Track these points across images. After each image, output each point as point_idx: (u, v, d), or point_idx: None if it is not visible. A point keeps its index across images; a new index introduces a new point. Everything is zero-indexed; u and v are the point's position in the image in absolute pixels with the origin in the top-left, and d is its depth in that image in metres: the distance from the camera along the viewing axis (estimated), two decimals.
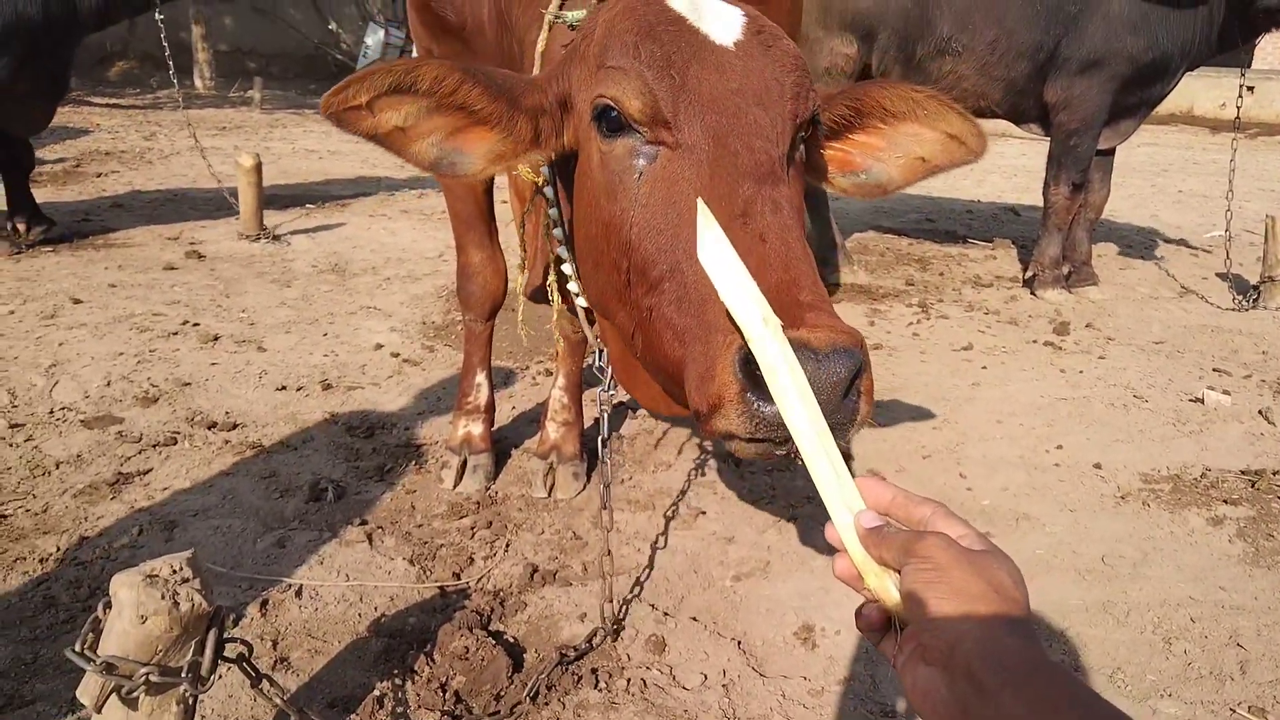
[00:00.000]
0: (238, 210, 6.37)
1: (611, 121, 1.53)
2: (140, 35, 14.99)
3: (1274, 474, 3.52)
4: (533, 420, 3.76)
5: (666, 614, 2.61)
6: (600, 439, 2.38)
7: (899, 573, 1.00)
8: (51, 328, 4.39)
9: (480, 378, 3.35)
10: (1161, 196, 9.90)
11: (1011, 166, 11.51)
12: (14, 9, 5.11)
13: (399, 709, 2.18)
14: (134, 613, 1.51)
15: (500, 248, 3.22)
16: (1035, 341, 5.04)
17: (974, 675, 0.87)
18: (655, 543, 2.90)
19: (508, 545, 2.91)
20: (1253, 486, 3.45)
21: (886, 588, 1.02)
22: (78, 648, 1.52)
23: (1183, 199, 9.79)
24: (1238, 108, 6.30)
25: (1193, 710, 2.32)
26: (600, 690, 2.29)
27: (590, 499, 3.20)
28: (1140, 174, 11.24)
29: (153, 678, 1.51)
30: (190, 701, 1.60)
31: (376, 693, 2.22)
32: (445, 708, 2.19)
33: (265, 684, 1.73)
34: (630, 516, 3.12)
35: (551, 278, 2.05)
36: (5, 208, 5.87)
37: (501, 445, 3.49)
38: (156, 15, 6.01)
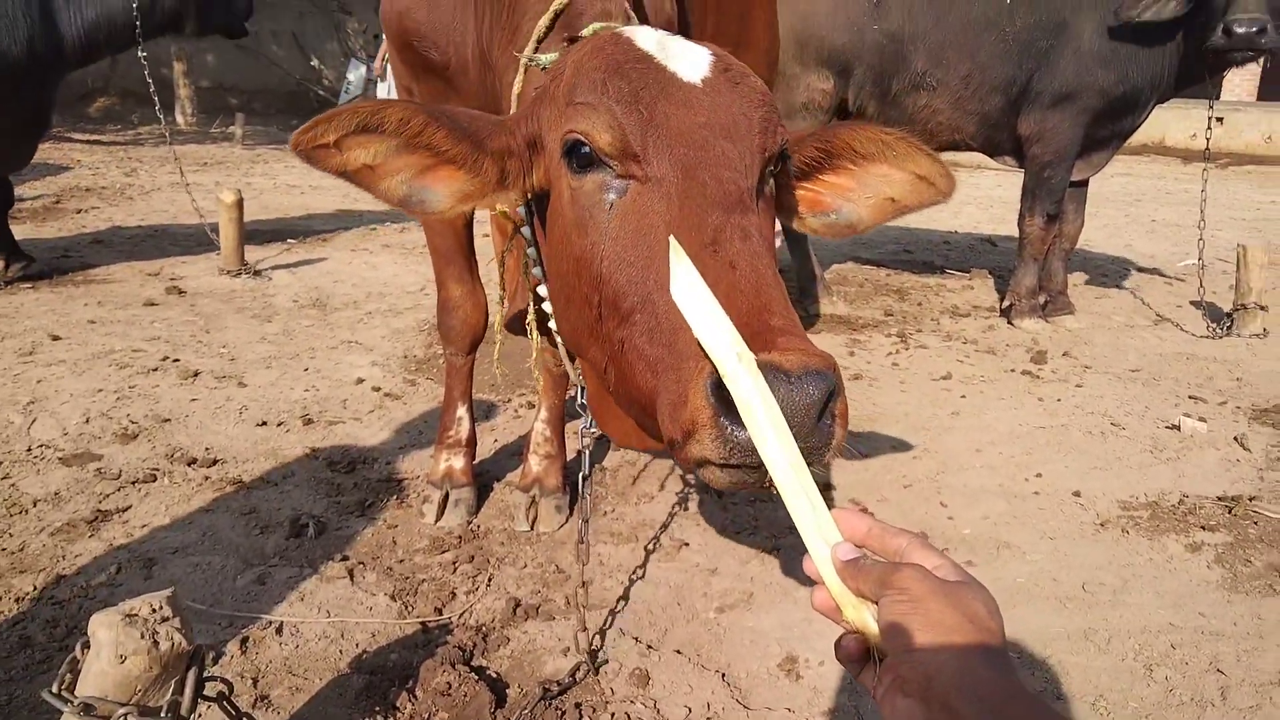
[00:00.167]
0: (219, 246, 6.36)
1: (581, 157, 1.55)
2: (122, 72, 15.04)
3: (1250, 500, 3.56)
4: (515, 453, 3.76)
5: (650, 647, 2.61)
6: (581, 475, 2.39)
7: (877, 604, 1.01)
8: (30, 365, 4.36)
9: (461, 411, 3.35)
10: (1135, 226, 10.04)
11: (987, 198, 11.65)
12: None
13: None
14: (113, 652, 1.49)
15: (481, 282, 3.23)
16: (1013, 370, 5.09)
17: (951, 706, 0.89)
18: (638, 575, 2.90)
19: (490, 579, 2.90)
20: (1229, 512, 3.48)
21: (865, 619, 1.03)
22: (55, 689, 1.51)
23: (1156, 228, 9.93)
24: (1207, 139, 6.41)
25: None
26: None
27: (573, 532, 3.19)
28: (1114, 204, 11.39)
29: (131, 718, 1.50)
30: None
31: None
32: None
33: None
34: (613, 549, 3.12)
35: (531, 315, 2.06)
36: None
37: (484, 479, 3.49)
38: (139, 52, 6.02)
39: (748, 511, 3.37)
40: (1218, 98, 18.77)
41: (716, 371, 1.21)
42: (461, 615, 2.71)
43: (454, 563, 2.98)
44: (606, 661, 2.52)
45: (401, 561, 2.98)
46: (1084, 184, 6.14)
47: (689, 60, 1.59)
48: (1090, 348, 5.53)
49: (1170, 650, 2.67)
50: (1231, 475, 3.82)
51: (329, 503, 3.30)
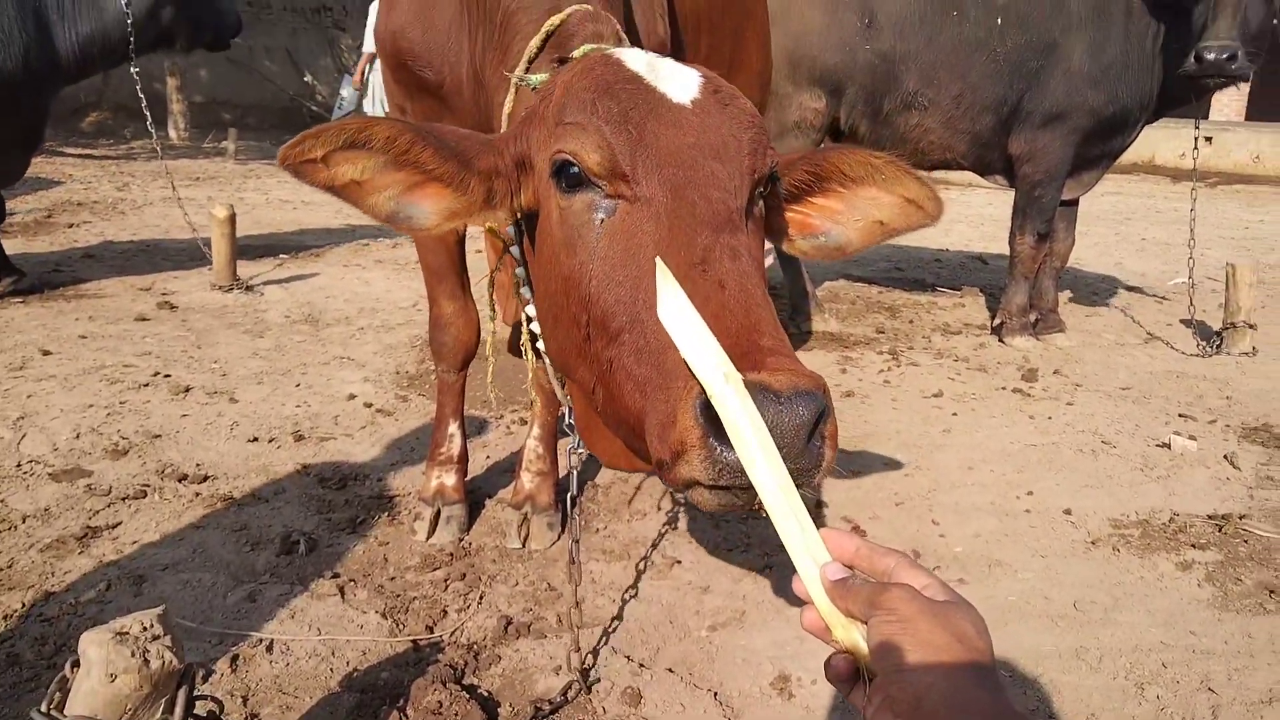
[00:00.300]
0: (211, 260, 6.36)
1: (570, 177, 1.56)
2: (115, 86, 15.03)
3: (1240, 518, 3.57)
4: (507, 470, 3.75)
5: (642, 665, 2.60)
6: (569, 495, 2.38)
7: (866, 624, 1.02)
8: (20, 380, 4.35)
9: (453, 428, 3.35)
10: (1125, 244, 10.10)
11: (978, 216, 11.71)
12: None
13: None
14: (103, 671, 1.49)
15: (473, 299, 3.24)
16: (1004, 388, 5.10)
17: None
18: (630, 593, 2.90)
19: (481, 597, 2.90)
20: (1220, 531, 3.49)
21: (854, 639, 1.03)
22: (44, 708, 1.50)
23: (1146, 247, 9.99)
24: (1194, 159, 6.47)
25: None
26: None
27: (565, 549, 3.19)
28: (1104, 222, 11.46)
29: None
30: None
31: None
32: None
33: None
34: (605, 566, 3.11)
35: (525, 335, 2.06)
36: None
37: (475, 495, 3.48)
38: (132, 68, 6.04)
39: (740, 529, 3.37)
40: (1206, 117, 18.90)
41: (705, 392, 1.21)
42: (453, 633, 2.70)
43: (445, 580, 2.97)
44: (598, 680, 2.52)
45: (393, 579, 2.97)
46: (1074, 203, 6.19)
47: (678, 81, 1.60)
48: (1081, 366, 5.55)
49: (1161, 669, 2.67)
50: (1222, 494, 3.83)
51: (320, 519, 3.29)
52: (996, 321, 6.15)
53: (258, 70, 19.10)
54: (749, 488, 1.19)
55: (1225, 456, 4.16)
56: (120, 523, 3.16)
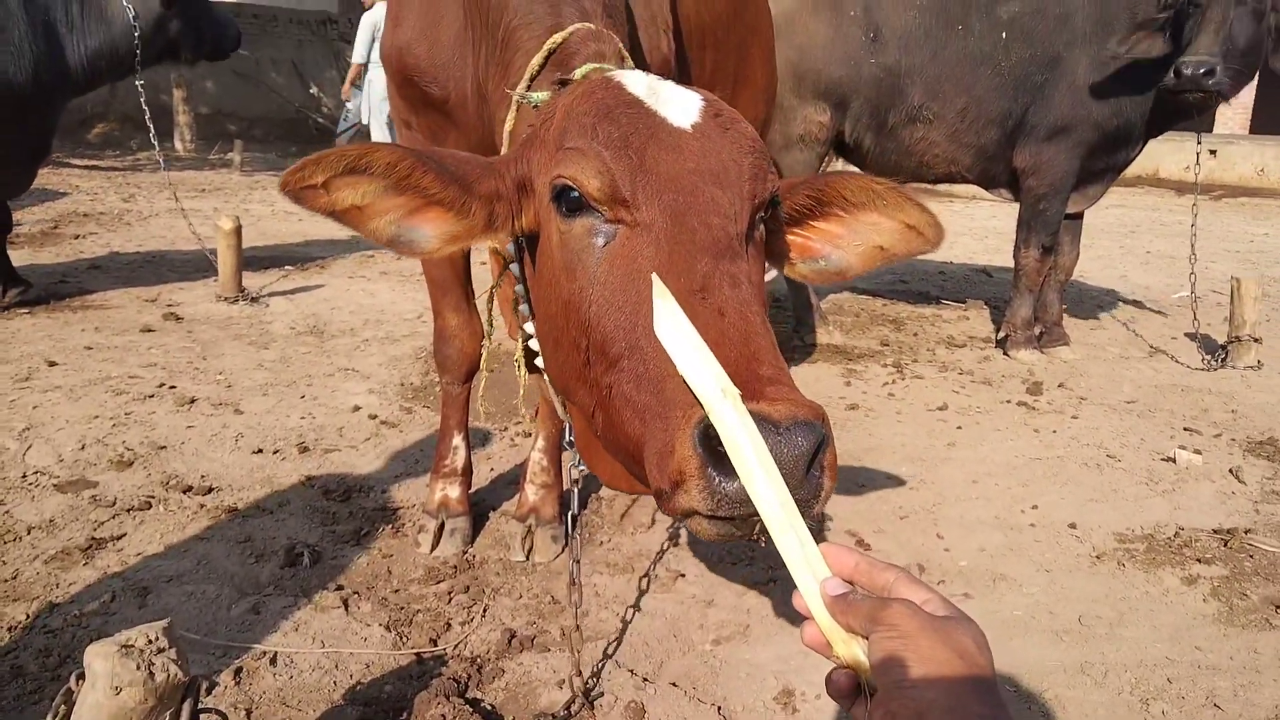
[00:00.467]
0: (217, 272, 6.37)
1: (571, 201, 1.55)
2: (121, 98, 15.07)
3: (1246, 533, 3.56)
4: (511, 482, 3.75)
5: (646, 679, 2.59)
6: (570, 514, 2.37)
7: (866, 639, 1.02)
8: (26, 390, 4.36)
9: (457, 440, 3.35)
10: (1130, 257, 10.10)
11: (982, 228, 11.71)
12: (3, 75, 5.17)
13: None
14: (108, 684, 1.49)
15: (477, 311, 3.24)
16: (1009, 401, 5.10)
17: None
18: (634, 607, 2.89)
19: (485, 610, 2.89)
20: (1225, 545, 3.48)
21: (855, 654, 1.03)
22: None
23: (1150, 260, 9.99)
24: (1196, 174, 6.49)
25: None
26: None
27: (569, 564, 3.19)
28: (1109, 235, 11.46)
29: None
30: None
31: None
32: None
33: None
34: (609, 579, 3.11)
35: (520, 352, 2.07)
36: None
37: (479, 508, 3.48)
38: (137, 80, 6.08)
39: (744, 544, 3.36)
40: (1210, 131, 18.95)
41: (704, 420, 1.21)
42: (456, 646, 2.70)
43: (449, 593, 2.97)
44: (602, 694, 2.51)
45: (396, 591, 2.97)
46: (1079, 216, 6.19)
47: (679, 105, 1.60)
48: (1086, 379, 5.55)
49: (1167, 684, 2.66)
50: (1227, 508, 3.82)
51: (324, 531, 3.29)
52: (1001, 334, 6.15)
53: (263, 82, 19.18)
54: (748, 518, 1.19)
55: (1230, 470, 4.15)
56: (125, 534, 3.17)
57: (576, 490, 2.35)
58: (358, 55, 12.50)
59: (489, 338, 2.56)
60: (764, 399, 1.21)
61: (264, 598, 2.85)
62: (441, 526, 3.25)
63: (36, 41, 5.31)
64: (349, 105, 14.26)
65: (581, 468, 2.24)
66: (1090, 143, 5.64)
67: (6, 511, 3.26)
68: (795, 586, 1.10)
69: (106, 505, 3.34)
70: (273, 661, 2.54)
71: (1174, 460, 4.26)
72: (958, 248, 10.20)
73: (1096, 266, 9.14)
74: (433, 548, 3.21)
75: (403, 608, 2.87)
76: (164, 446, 3.86)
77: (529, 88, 1.95)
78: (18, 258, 6.48)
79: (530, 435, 4.02)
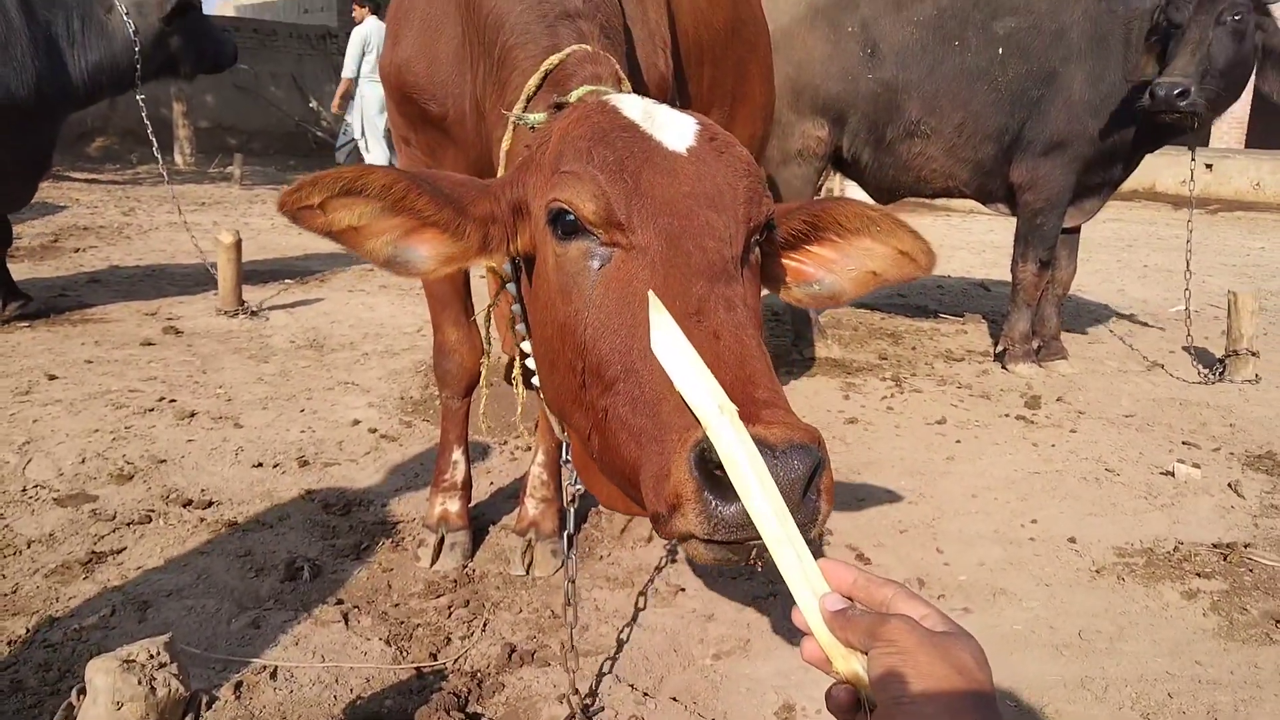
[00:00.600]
0: (218, 285, 6.39)
1: (566, 225, 1.56)
2: (121, 112, 15.11)
3: (1245, 547, 3.57)
4: (511, 496, 3.75)
5: (646, 694, 2.59)
6: (565, 534, 2.36)
7: (866, 654, 1.02)
8: (26, 404, 4.36)
9: (457, 454, 3.36)
10: (1127, 271, 10.13)
11: (980, 242, 11.75)
12: (6, 89, 5.19)
13: None
14: (109, 699, 1.49)
15: (477, 326, 3.25)
16: (1007, 415, 5.11)
17: None
18: (634, 621, 2.89)
19: (485, 624, 2.89)
20: (1224, 559, 3.48)
21: (854, 670, 1.04)
22: None
23: (1148, 274, 10.02)
24: (1190, 190, 6.52)
25: None
26: None
27: (574, 568, 3.19)
28: (1106, 249, 11.50)
29: None
30: None
31: None
32: None
33: None
34: (609, 594, 3.11)
35: (517, 371, 2.07)
36: None
37: (479, 522, 3.48)
38: (138, 95, 6.11)
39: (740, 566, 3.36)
40: (1206, 145, 18.99)
41: (700, 443, 1.21)
42: (456, 661, 2.69)
43: (449, 607, 2.97)
44: (602, 709, 2.51)
45: (396, 606, 2.97)
46: (1076, 230, 6.21)
47: (675, 129, 1.60)
48: (1084, 393, 5.56)
49: (1168, 699, 2.66)
50: (1226, 522, 3.83)
51: (324, 545, 3.29)
52: (999, 348, 6.17)
53: (263, 96, 19.25)
54: (744, 542, 1.20)
55: (1229, 484, 4.16)
56: (125, 548, 3.17)
57: (573, 510, 2.35)
58: (348, 70, 12.54)
59: (488, 355, 2.57)
60: (760, 422, 1.21)
61: (264, 612, 2.85)
62: (441, 541, 3.25)
63: (39, 56, 5.34)
64: (348, 119, 14.29)
65: (578, 487, 2.24)
66: (1086, 158, 5.67)
67: (6, 525, 3.26)
68: (794, 602, 1.11)
69: (106, 519, 3.34)
70: (273, 676, 2.54)
71: (1173, 474, 4.27)
72: (955, 262, 10.23)
73: (1094, 280, 9.17)
74: (433, 562, 3.21)
75: (403, 622, 2.86)
76: (164, 460, 3.86)
77: (525, 108, 1.96)
78: (18, 271, 6.49)
79: (530, 449, 4.02)
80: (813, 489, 1.23)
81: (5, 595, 2.85)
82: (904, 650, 0.98)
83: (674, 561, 3.29)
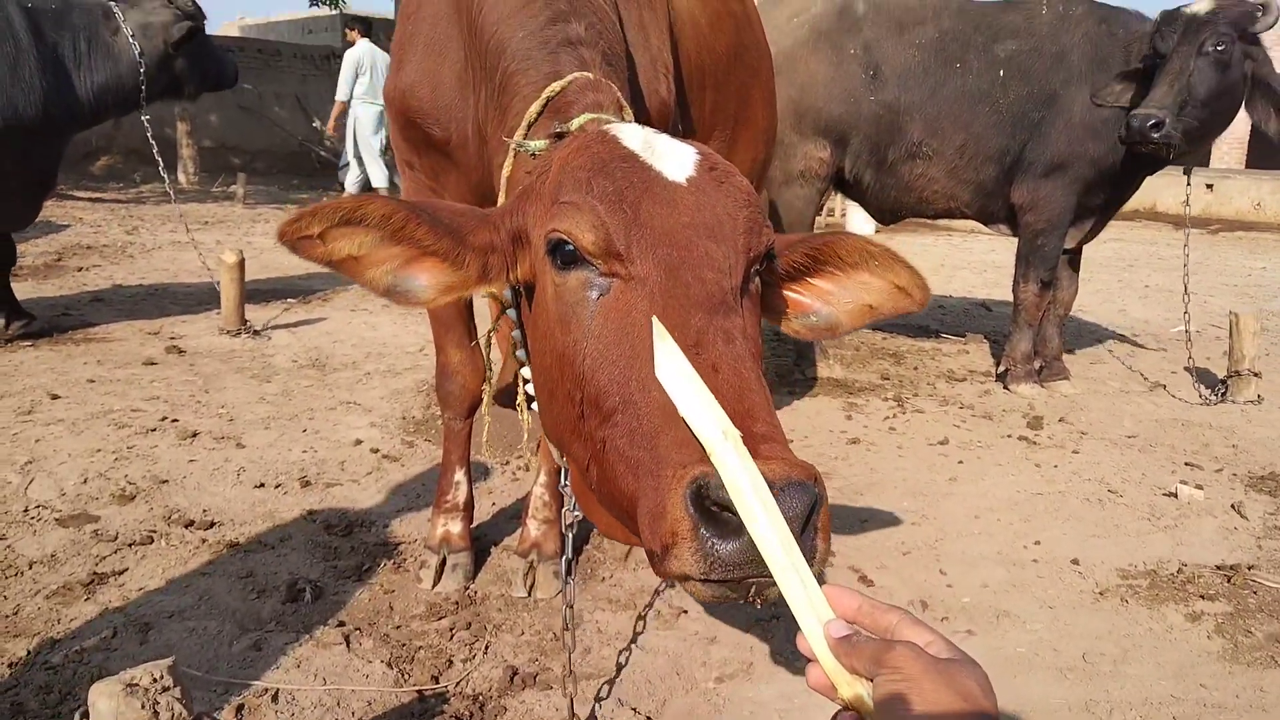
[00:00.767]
0: (221, 304, 6.40)
1: (565, 255, 1.56)
2: (125, 131, 15.18)
3: (1249, 569, 3.56)
4: (513, 517, 3.75)
5: (649, 718, 2.58)
6: (564, 559, 2.34)
7: (871, 681, 1.02)
8: (29, 424, 4.36)
9: (459, 475, 3.35)
10: (1129, 291, 10.14)
11: (981, 262, 11.77)
12: (14, 109, 5.23)
13: None
14: None
15: (480, 347, 3.25)
16: (1010, 436, 5.10)
17: None
18: (636, 643, 2.88)
19: (487, 647, 2.88)
20: (1228, 581, 3.47)
21: (860, 696, 1.04)
22: None
23: (1149, 294, 10.03)
24: (1187, 213, 6.56)
25: None
26: None
27: (572, 595, 3.18)
28: (1108, 269, 11.52)
29: None
30: None
31: None
32: None
33: None
34: (611, 616, 3.10)
35: (521, 397, 2.07)
36: None
37: (481, 543, 3.48)
38: (143, 115, 6.16)
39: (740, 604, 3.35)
40: (1206, 165, 19.03)
41: (696, 480, 1.20)
42: (458, 684, 2.69)
43: (451, 629, 2.96)
44: None
45: (398, 628, 2.96)
46: (1078, 251, 6.22)
47: (674, 159, 1.60)
48: (1086, 413, 5.56)
49: None
50: (1229, 543, 3.82)
51: (326, 566, 3.29)
52: (1001, 369, 6.17)
53: (267, 116, 19.35)
54: (743, 580, 1.19)
55: (1233, 506, 4.15)
56: (127, 569, 3.16)
57: (571, 535, 2.33)
58: (341, 93, 12.61)
59: (490, 382, 2.57)
60: (758, 457, 1.20)
61: (266, 634, 2.85)
62: (443, 562, 3.25)
63: (46, 77, 5.39)
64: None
65: (577, 513, 2.23)
66: (1087, 179, 5.69)
67: (8, 546, 3.26)
68: (799, 628, 1.11)
69: (108, 540, 3.34)
70: (274, 699, 2.53)
71: (1175, 495, 4.26)
72: (956, 281, 10.24)
73: (1095, 301, 9.18)
74: (434, 583, 3.20)
75: (404, 644, 2.86)
76: (166, 480, 3.86)
77: (526, 135, 1.96)
78: (21, 290, 6.51)
79: (532, 469, 4.02)
80: (810, 527, 1.22)
81: (6, 616, 2.84)
82: (909, 677, 0.98)
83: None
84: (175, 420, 4.56)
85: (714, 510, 1.18)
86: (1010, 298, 6.22)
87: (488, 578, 3.31)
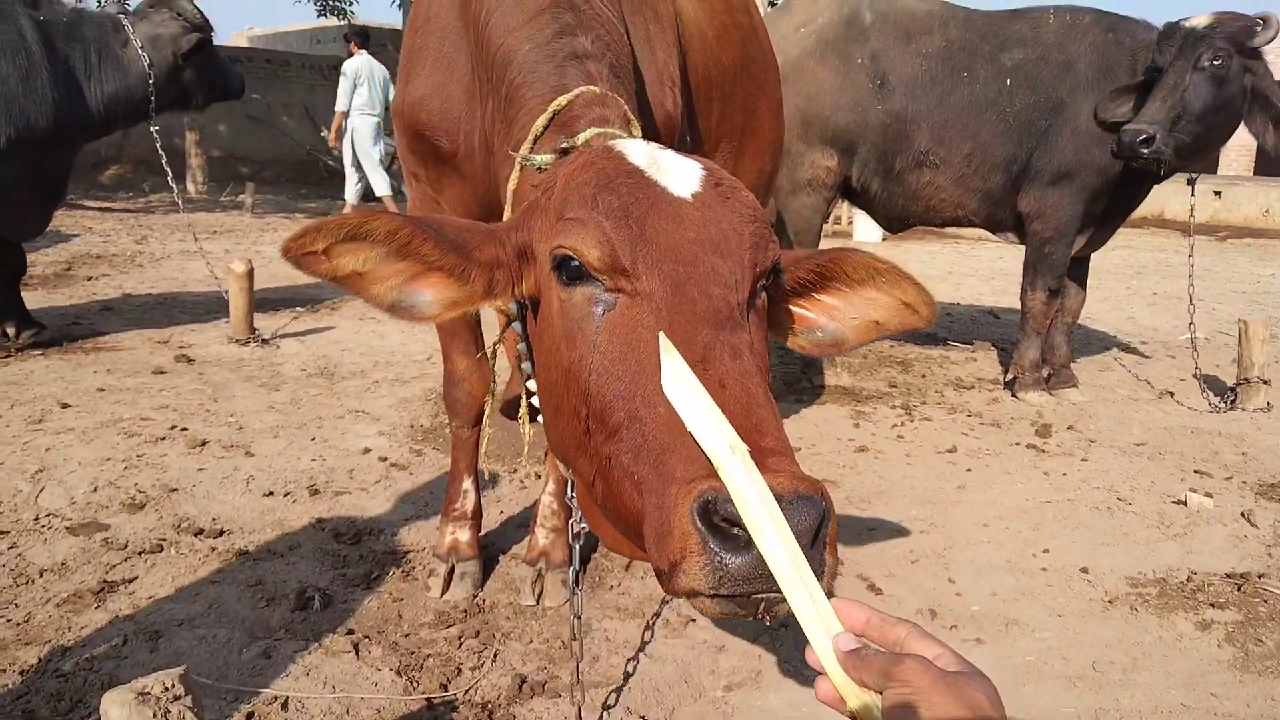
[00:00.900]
0: (230, 313, 6.43)
1: (571, 271, 1.55)
2: (134, 141, 15.28)
3: (1259, 577, 3.55)
4: (521, 525, 3.75)
5: None
6: (571, 570, 2.34)
7: (880, 694, 1.03)
8: (39, 432, 4.38)
9: (467, 484, 3.36)
10: (1137, 299, 10.12)
11: (988, 270, 11.76)
12: (26, 120, 5.27)
13: None
14: None
15: (487, 356, 3.26)
16: (1018, 444, 5.10)
17: None
18: (644, 652, 2.88)
19: (495, 655, 2.89)
20: (1238, 590, 3.46)
21: (869, 709, 1.04)
22: None
23: (1158, 301, 10.00)
24: (1190, 222, 6.56)
25: None
26: None
27: (579, 605, 3.18)
28: (1116, 276, 11.50)
29: None
30: None
31: None
32: None
33: None
34: (619, 624, 3.10)
35: (524, 409, 2.07)
36: None
37: (489, 551, 3.48)
38: (152, 126, 6.20)
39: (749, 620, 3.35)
40: (1214, 172, 18.99)
41: (702, 496, 1.20)
42: (467, 692, 2.69)
43: (459, 637, 2.96)
44: None
45: (407, 635, 2.96)
46: (1085, 258, 6.22)
47: (680, 175, 1.60)
48: (1095, 421, 5.55)
49: None
50: (1239, 551, 3.81)
51: (334, 574, 3.29)
52: (1009, 376, 6.16)
53: (275, 125, 19.45)
54: (752, 594, 1.19)
55: (1242, 514, 4.14)
56: (137, 577, 3.17)
57: (578, 547, 2.33)
58: (340, 104, 12.66)
59: (494, 394, 2.58)
60: (766, 471, 1.20)
61: (275, 642, 2.85)
62: (452, 570, 3.25)
63: (58, 88, 5.43)
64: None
65: (583, 525, 2.23)
66: (1094, 187, 5.68)
67: (19, 554, 3.27)
68: (808, 640, 1.11)
69: (118, 548, 3.35)
70: (284, 706, 2.54)
71: (1185, 503, 4.25)
72: (964, 289, 10.23)
73: (1104, 308, 9.16)
74: (443, 591, 3.21)
75: (413, 652, 2.86)
76: (175, 489, 3.88)
77: (532, 148, 1.96)
78: (31, 299, 6.54)
79: (540, 477, 4.02)
80: (819, 540, 1.21)
81: (18, 624, 2.86)
82: (918, 690, 0.98)
83: None
84: (184, 429, 4.58)
85: (722, 525, 1.18)
86: (1018, 305, 6.22)
87: (496, 586, 3.31)
